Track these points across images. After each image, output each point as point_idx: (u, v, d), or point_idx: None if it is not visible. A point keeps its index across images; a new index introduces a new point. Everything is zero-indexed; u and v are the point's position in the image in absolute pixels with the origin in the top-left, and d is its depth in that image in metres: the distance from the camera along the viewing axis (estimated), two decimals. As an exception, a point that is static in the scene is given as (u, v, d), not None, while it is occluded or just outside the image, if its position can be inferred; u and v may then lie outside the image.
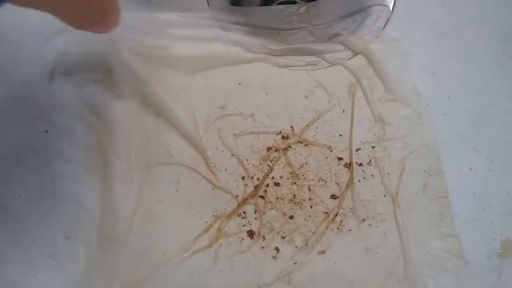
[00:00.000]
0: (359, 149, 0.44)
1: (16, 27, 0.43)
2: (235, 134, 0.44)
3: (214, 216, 0.42)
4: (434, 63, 0.46)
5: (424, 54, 0.47)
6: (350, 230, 0.42)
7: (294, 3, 0.53)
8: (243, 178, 0.43)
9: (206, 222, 0.42)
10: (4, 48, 0.43)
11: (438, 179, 0.43)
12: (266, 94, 0.44)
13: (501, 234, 0.43)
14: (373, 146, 0.44)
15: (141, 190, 0.42)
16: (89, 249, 0.40)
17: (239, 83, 0.44)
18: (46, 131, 0.42)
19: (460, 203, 0.43)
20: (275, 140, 0.44)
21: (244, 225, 0.42)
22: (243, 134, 0.44)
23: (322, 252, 0.42)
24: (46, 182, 0.41)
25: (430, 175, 0.43)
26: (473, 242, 0.42)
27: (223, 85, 0.44)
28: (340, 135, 0.44)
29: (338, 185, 0.43)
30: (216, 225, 0.42)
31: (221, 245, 0.41)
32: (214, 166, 0.43)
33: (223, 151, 0.43)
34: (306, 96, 0.45)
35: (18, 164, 0.41)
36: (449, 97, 0.46)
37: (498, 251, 0.43)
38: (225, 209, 0.42)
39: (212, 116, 0.44)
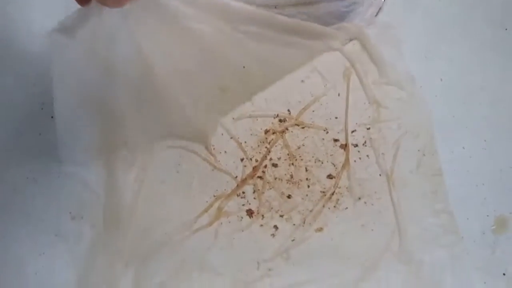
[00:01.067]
0: (355, 130, 0.45)
1: None
2: (233, 118, 0.45)
3: (214, 196, 0.43)
4: (427, 46, 0.48)
5: (417, 38, 0.48)
6: (347, 208, 0.44)
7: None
8: (241, 159, 0.44)
9: (207, 202, 0.43)
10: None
11: (432, 158, 0.44)
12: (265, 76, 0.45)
13: (494, 210, 0.44)
14: (368, 127, 0.45)
15: (144, 172, 0.43)
16: (95, 228, 0.42)
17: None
18: (52, 117, 0.44)
19: (454, 181, 0.44)
20: (272, 123, 0.46)
21: (243, 205, 0.43)
22: (242, 117, 0.45)
23: (319, 230, 0.43)
24: (53, 165, 0.43)
25: (424, 155, 0.45)
26: (467, 219, 0.43)
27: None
28: (336, 118, 0.46)
29: (334, 166, 0.45)
30: (216, 205, 0.43)
31: (221, 223, 0.43)
32: (214, 148, 0.44)
33: (222, 134, 0.45)
34: (302, 80, 0.46)
35: (25, 147, 0.43)
36: (441, 80, 0.47)
37: (492, 227, 0.43)
38: (224, 190, 0.44)
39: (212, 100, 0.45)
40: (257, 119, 0.45)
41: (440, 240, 0.42)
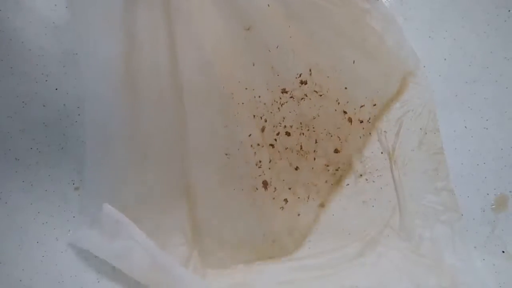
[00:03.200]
0: (363, 105, 0.45)
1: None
2: (254, 64, 0.42)
3: (226, 154, 0.43)
4: (431, 27, 0.48)
5: (421, 18, 0.48)
6: (348, 184, 0.44)
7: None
8: (254, 116, 0.43)
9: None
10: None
11: (434, 137, 0.45)
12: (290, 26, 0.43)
13: (495, 189, 0.44)
14: (374, 104, 0.45)
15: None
16: (96, 199, 0.42)
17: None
18: (56, 89, 0.44)
19: (455, 159, 0.44)
20: (293, 83, 0.44)
21: (260, 175, 0.43)
22: (262, 66, 0.42)
23: (322, 205, 0.43)
24: (56, 137, 0.43)
25: (426, 133, 0.45)
26: (468, 196, 0.43)
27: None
28: (346, 88, 0.45)
29: (340, 139, 0.45)
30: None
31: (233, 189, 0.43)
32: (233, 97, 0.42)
33: (239, 82, 0.42)
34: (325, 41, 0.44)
35: (30, 119, 0.43)
36: (445, 59, 0.47)
37: (492, 206, 0.44)
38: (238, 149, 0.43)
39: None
40: (278, 75, 0.43)
41: (440, 217, 0.43)
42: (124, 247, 0.38)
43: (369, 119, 0.45)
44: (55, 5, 0.45)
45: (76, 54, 0.44)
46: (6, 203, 0.41)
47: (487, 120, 0.45)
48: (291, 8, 0.42)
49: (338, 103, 0.45)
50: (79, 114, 0.44)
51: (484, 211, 0.43)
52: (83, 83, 0.44)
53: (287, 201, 0.43)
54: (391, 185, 0.44)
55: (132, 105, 0.41)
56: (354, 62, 0.45)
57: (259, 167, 0.43)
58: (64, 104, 0.44)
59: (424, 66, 0.47)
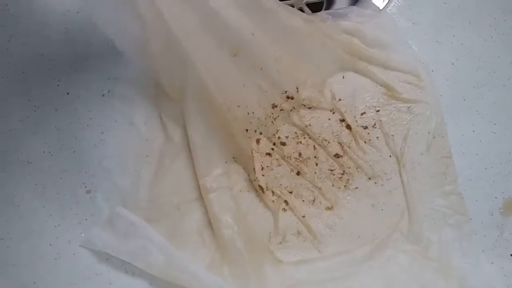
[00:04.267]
0: (364, 113, 0.46)
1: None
2: (244, 85, 0.44)
3: (225, 162, 0.44)
4: (438, 31, 0.48)
5: (429, 23, 0.49)
6: (357, 188, 0.44)
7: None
8: (246, 130, 0.45)
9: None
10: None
11: (442, 141, 0.45)
12: (275, 51, 0.45)
13: (503, 193, 0.44)
14: (377, 110, 0.46)
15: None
16: (109, 202, 0.42)
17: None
18: (68, 93, 0.45)
19: (464, 163, 0.44)
20: (281, 97, 0.46)
21: (254, 180, 0.44)
22: (252, 86, 0.45)
23: (329, 208, 0.43)
24: (68, 140, 0.43)
25: (434, 137, 0.45)
26: (476, 200, 0.44)
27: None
28: (340, 100, 0.46)
29: (341, 145, 0.45)
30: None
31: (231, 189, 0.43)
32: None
33: (231, 101, 0.44)
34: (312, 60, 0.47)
35: (42, 123, 0.44)
36: (452, 64, 0.47)
37: (500, 210, 0.44)
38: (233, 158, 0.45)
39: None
40: (266, 91, 0.45)
41: (449, 220, 0.43)
42: (139, 245, 0.39)
43: (374, 124, 0.45)
44: (68, 10, 0.46)
45: (87, 58, 0.45)
46: (18, 206, 0.41)
47: (495, 124, 0.46)
48: (275, 35, 0.44)
49: (333, 113, 0.46)
50: (90, 118, 0.44)
51: (492, 214, 0.44)
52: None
53: (287, 203, 0.43)
54: (399, 188, 0.44)
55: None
56: (343, 77, 0.47)
57: (253, 173, 0.44)
58: (76, 108, 0.44)
59: (432, 71, 0.47)
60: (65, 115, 0.44)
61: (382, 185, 0.44)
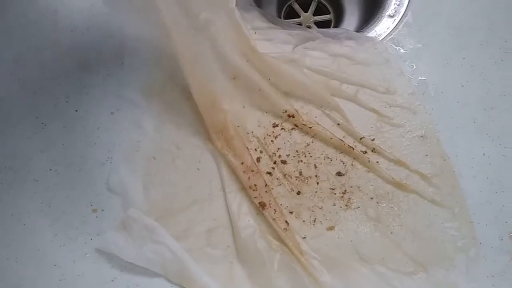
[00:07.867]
0: (363, 137, 0.46)
1: None
2: (244, 107, 0.46)
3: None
4: (448, 53, 0.48)
5: (439, 45, 0.48)
6: (359, 207, 0.44)
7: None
8: (247, 148, 0.45)
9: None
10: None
11: (444, 163, 0.45)
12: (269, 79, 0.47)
13: (513, 217, 0.44)
14: (372, 139, 0.46)
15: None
16: (115, 221, 0.42)
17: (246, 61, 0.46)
18: (76, 111, 0.44)
19: (474, 186, 0.44)
20: (281, 117, 0.47)
21: (255, 197, 0.43)
22: (252, 106, 0.47)
23: (331, 228, 0.43)
24: (75, 158, 0.43)
25: (435, 159, 0.45)
26: (486, 224, 0.43)
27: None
28: (338, 124, 0.47)
29: (344, 163, 0.45)
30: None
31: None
32: (222, 135, 0.45)
33: (230, 120, 0.45)
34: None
35: (49, 139, 0.44)
36: (462, 86, 0.47)
37: (510, 234, 0.43)
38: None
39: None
40: (266, 112, 0.46)
41: (457, 244, 0.42)
42: (155, 251, 0.39)
43: (373, 149, 0.45)
44: (77, 26, 0.46)
45: (97, 75, 0.45)
46: (24, 224, 0.41)
47: (505, 147, 0.45)
48: (267, 68, 0.46)
49: (333, 134, 0.46)
50: (98, 136, 0.44)
51: (502, 239, 0.43)
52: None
53: (287, 223, 0.42)
54: (404, 209, 0.43)
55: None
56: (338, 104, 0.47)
57: (254, 190, 0.43)
58: (84, 126, 0.44)
59: (442, 92, 0.47)
60: (73, 133, 0.44)
61: (385, 205, 0.44)
